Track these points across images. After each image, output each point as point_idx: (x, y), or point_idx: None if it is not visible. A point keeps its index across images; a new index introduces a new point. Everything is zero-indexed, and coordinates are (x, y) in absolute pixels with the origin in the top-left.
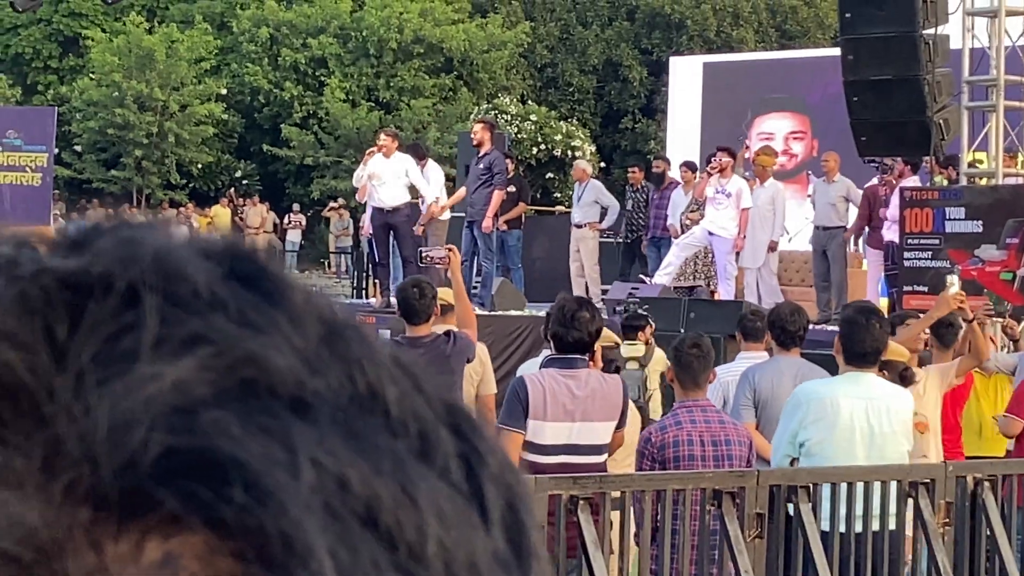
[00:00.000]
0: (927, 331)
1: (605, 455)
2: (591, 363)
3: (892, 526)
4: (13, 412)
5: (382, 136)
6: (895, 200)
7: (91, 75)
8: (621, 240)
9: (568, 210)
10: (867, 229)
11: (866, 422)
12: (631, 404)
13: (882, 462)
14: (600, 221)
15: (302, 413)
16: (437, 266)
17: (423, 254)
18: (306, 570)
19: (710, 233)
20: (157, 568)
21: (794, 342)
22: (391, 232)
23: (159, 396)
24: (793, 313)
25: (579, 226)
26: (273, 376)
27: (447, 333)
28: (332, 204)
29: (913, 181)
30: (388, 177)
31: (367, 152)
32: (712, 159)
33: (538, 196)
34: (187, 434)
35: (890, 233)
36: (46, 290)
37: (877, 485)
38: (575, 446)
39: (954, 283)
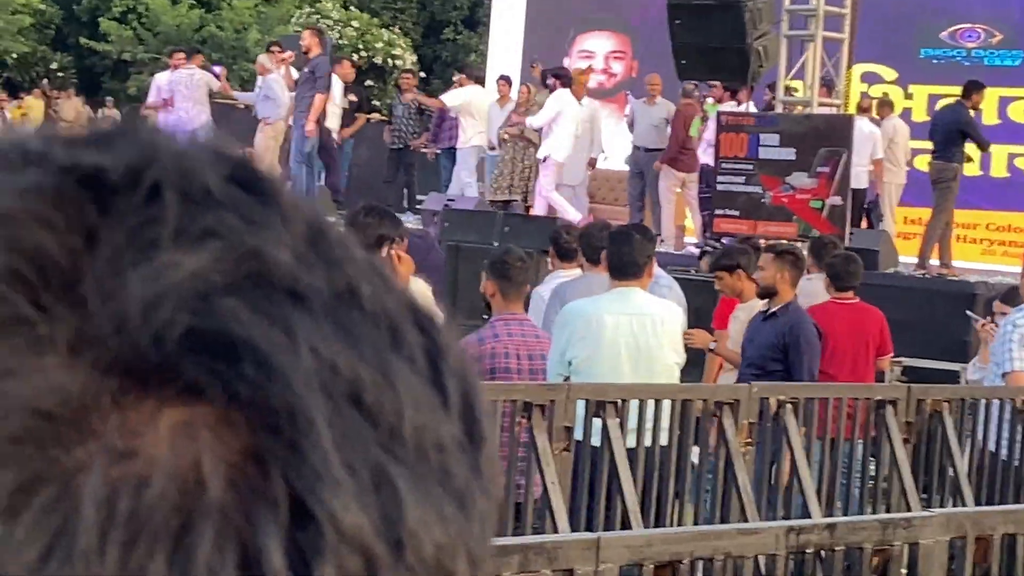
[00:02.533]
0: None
1: None
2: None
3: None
4: (48, 289)
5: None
6: (711, 124)
7: None
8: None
9: (385, 118)
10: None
11: (632, 337)
12: None
13: (650, 376)
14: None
15: (298, 303)
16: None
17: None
18: (307, 439)
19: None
20: (175, 430)
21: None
22: None
23: (181, 282)
24: (603, 230)
25: None
26: (273, 269)
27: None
28: (147, 104)
29: (730, 106)
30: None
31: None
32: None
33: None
34: (206, 316)
35: (705, 156)
36: (77, 181)
37: (680, 404)
38: None
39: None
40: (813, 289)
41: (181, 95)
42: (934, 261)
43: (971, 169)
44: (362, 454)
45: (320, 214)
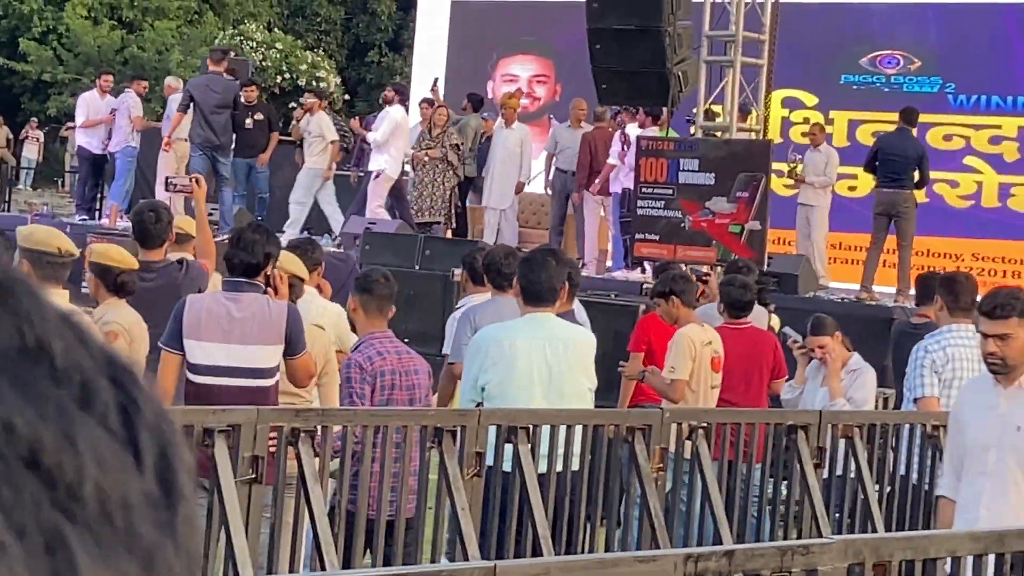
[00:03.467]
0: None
1: (270, 379)
2: (271, 290)
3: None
4: None
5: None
6: (632, 148)
7: None
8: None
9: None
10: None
11: (544, 362)
12: None
13: (560, 401)
14: None
15: None
16: (181, 194)
17: (168, 181)
18: None
19: None
20: None
21: (510, 283)
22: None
23: None
24: (507, 256)
25: None
26: None
27: (180, 261)
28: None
29: (652, 131)
30: None
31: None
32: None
33: (280, 125)
34: None
35: (626, 180)
36: None
37: (588, 429)
38: (233, 368)
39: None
40: (711, 314)
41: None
42: (855, 286)
43: None
44: (34, 517)
45: (10, 268)
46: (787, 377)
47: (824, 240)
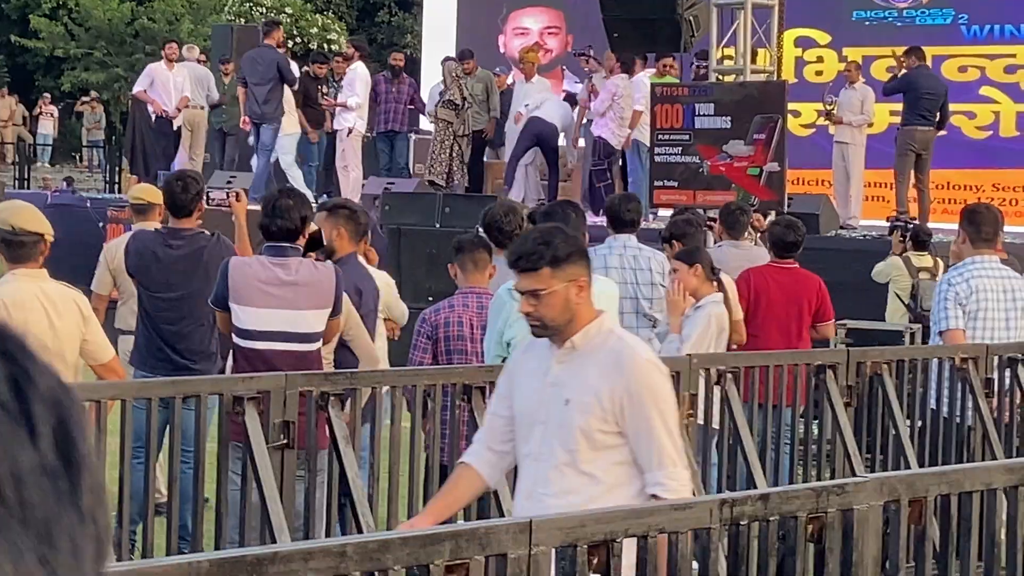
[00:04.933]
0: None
1: (316, 343)
2: (312, 253)
3: None
4: None
5: None
6: (602, 95)
7: None
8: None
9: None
10: None
11: None
12: None
13: None
14: None
15: None
16: (221, 208)
17: (208, 195)
18: None
19: None
20: None
21: (511, 240)
22: None
23: None
24: (508, 213)
25: None
26: None
27: (213, 232)
28: (84, 98)
29: (622, 79)
30: None
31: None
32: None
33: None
34: None
35: (597, 128)
36: None
37: None
38: (282, 333)
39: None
40: (756, 255)
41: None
42: (877, 222)
43: None
44: None
45: None
46: (834, 319)
47: (861, 178)
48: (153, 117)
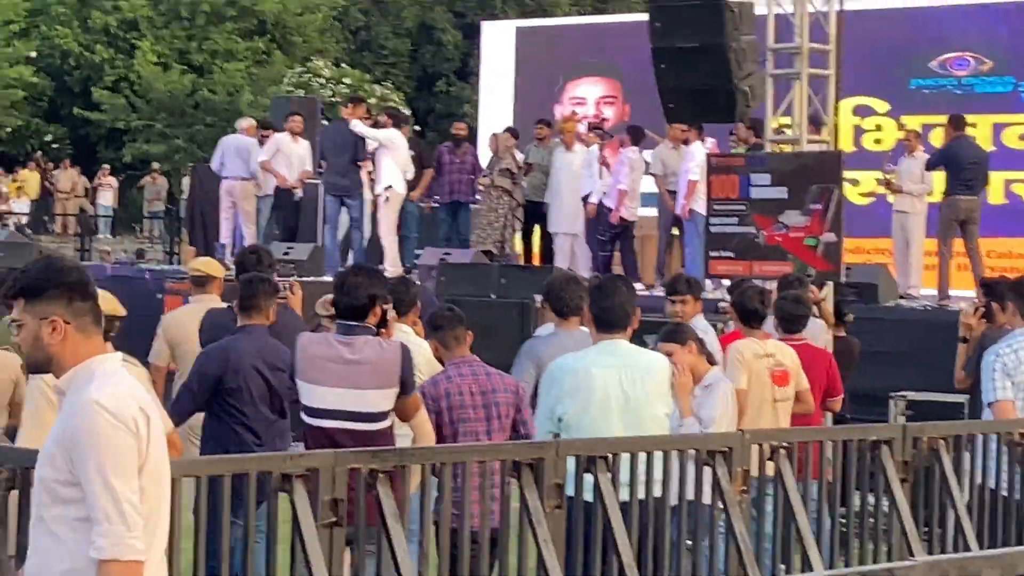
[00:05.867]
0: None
1: (382, 423)
2: (384, 330)
3: (690, 495)
4: None
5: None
6: (618, 167)
7: None
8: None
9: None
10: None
11: (620, 390)
12: None
13: (638, 428)
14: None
15: None
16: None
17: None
18: None
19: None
20: None
21: (571, 311)
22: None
23: None
24: (568, 282)
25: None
26: None
27: (283, 304)
28: (152, 169)
29: (632, 152)
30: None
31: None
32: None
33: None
34: None
35: (606, 199)
36: None
37: (669, 455)
38: (346, 412)
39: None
40: (813, 328)
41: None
42: (933, 291)
43: None
44: None
45: None
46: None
47: (921, 247)
48: (273, 189)
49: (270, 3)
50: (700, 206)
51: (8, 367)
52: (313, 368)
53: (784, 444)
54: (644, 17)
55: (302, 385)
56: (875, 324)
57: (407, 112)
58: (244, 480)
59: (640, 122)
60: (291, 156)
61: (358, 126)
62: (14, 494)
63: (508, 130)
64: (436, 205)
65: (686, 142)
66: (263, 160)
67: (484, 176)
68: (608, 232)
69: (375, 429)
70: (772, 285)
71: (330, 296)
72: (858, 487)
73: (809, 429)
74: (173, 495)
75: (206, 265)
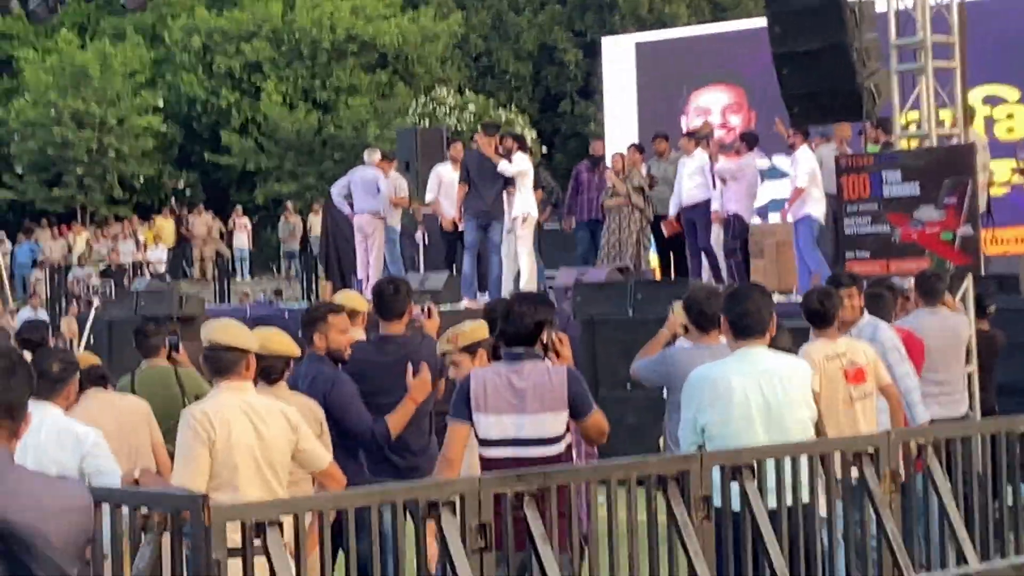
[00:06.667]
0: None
1: (557, 446)
2: (552, 355)
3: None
4: None
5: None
6: (741, 174)
7: (26, 95)
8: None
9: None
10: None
11: (760, 396)
12: None
13: (783, 435)
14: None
15: None
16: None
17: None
18: None
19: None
20: None
21: (713, 324)
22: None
23: None
24: (710, 295)
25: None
26: None
27: (422, 334)
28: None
29: (749, 156)
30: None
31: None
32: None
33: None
34: None
35: (731, 204)
36: None
37: (815, 459)
38: (522, 440)
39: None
40: (955, 322)
41: None
42: None
43: None
44: None
45: None
46: None
47: None
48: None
49: (390, 35)
50: (813, 208)
51: (135, 411)
52: (485, 398)
53: (932, 442)
54: (763, 23)
55: (477, 417)
56: (1019, 315)
57: (532, 134)
58: (390, 509)
59: (766, 129)
60: (452, 188)
61: (506, 168)
62: (167, 537)
63: (633, 146)
64: (575, 224)
65: (792, 147)
66: (430, 199)
67: (610, 197)
68: (737, 239)
69: (551, 454)
70: (910, 282)
71: (455, 330)
72: (1009, 480)
73: (952, 425)
74: (321, 528)
75: (350, 300)
